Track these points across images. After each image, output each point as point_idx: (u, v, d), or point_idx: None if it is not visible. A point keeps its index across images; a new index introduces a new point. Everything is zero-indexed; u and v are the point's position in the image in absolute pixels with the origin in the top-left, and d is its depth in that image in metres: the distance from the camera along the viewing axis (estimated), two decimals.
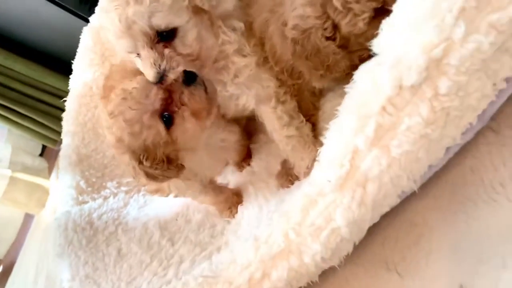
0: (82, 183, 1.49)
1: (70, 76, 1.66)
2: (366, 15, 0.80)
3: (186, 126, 0.88)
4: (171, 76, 0.87)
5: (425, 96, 0.64)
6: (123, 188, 1.51)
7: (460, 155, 0.79)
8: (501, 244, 0.80)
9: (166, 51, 0.86)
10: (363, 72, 0.73)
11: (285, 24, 0.91)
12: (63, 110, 1.65)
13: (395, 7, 0.71)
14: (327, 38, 0.87)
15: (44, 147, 3.01)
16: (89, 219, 1.40)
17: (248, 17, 1.06)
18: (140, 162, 0.86)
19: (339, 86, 1.06)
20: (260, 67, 1.03)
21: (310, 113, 1.14)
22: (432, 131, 0.65)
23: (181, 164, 0.91)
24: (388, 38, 0.72)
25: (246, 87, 1.03)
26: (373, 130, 0.67)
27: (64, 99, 1.66)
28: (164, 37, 0.86)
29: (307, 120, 1.09)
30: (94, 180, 1.51)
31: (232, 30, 0.96)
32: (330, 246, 0.76)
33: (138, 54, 0.88)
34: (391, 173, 0.69)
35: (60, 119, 1.65)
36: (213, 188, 1.13)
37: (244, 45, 0.98)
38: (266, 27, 1.00)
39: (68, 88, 1.67)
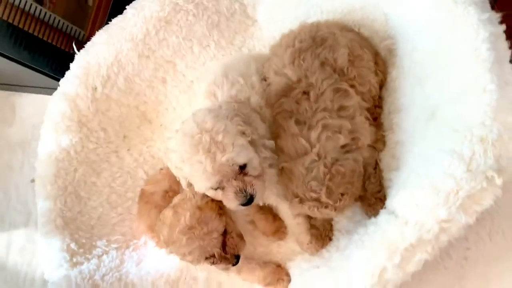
0: (73, 245, 1.62)
1: None
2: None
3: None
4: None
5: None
6: (113, 246, 1.68)
7: None
8: None
9: (247, 178, 1.17)
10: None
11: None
12: None
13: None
14: None
15: None
16: (93, 281, 1.56)
17: None
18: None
19: None
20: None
21: None
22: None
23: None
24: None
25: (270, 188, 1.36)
26: (399, 260, 1.09)
27: None
28: (241, 168, 1.17)
29: None
30: (83, 241, 1.65)
31: (265, 148, 1.28)
32: None
33: (218, 187, 1.18)
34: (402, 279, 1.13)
35: None
36: (258, 263, 1.45)
37: (273, 158, 1.31)
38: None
39: None
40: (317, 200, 1.19)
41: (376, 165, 1.40)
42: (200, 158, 1.11)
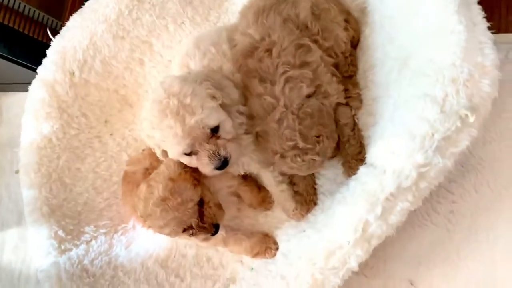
0: (60, 232, 1.60)
1: None
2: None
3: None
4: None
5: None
6: (101, 231, 1.67)
7: None
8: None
9: (220, 141, 1.16)
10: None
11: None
12: None
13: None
14: None
15: None
16: (82, 266, 1.55)
17: None
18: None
19: None
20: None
21: None
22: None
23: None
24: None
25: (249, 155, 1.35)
26: (380, 211, 1.07)
27: None
28: (213, 131, 1.16)
29: None
30: (71, 228, 1.64)
31: (239, 113, 1.27)
32: (344, 278, 1.16)
33: (192, 152, 1.16)
34: (387, 233, 1.11)
35: None
36: (244, 233, 1.43)
37: (247, 124, 1.30)
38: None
39: None
40: (296, 147, 1.17)
41: (355, 126, 1.37)
42: (169, 123, 1.10)
